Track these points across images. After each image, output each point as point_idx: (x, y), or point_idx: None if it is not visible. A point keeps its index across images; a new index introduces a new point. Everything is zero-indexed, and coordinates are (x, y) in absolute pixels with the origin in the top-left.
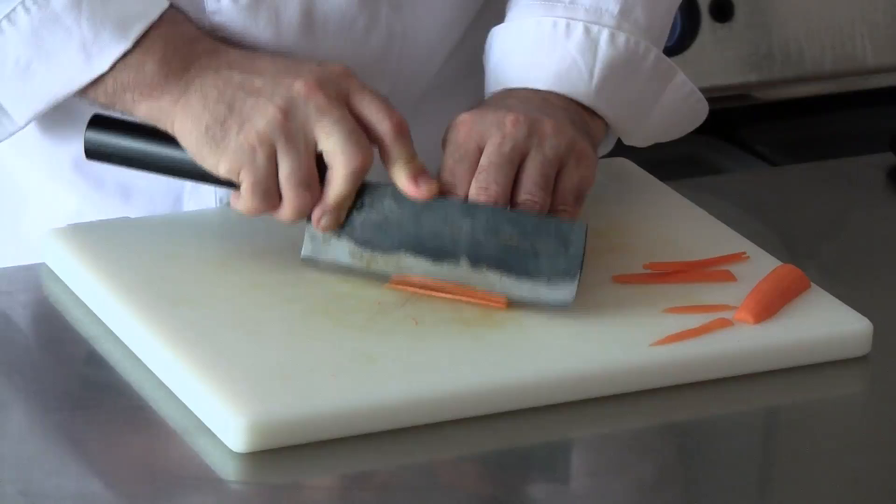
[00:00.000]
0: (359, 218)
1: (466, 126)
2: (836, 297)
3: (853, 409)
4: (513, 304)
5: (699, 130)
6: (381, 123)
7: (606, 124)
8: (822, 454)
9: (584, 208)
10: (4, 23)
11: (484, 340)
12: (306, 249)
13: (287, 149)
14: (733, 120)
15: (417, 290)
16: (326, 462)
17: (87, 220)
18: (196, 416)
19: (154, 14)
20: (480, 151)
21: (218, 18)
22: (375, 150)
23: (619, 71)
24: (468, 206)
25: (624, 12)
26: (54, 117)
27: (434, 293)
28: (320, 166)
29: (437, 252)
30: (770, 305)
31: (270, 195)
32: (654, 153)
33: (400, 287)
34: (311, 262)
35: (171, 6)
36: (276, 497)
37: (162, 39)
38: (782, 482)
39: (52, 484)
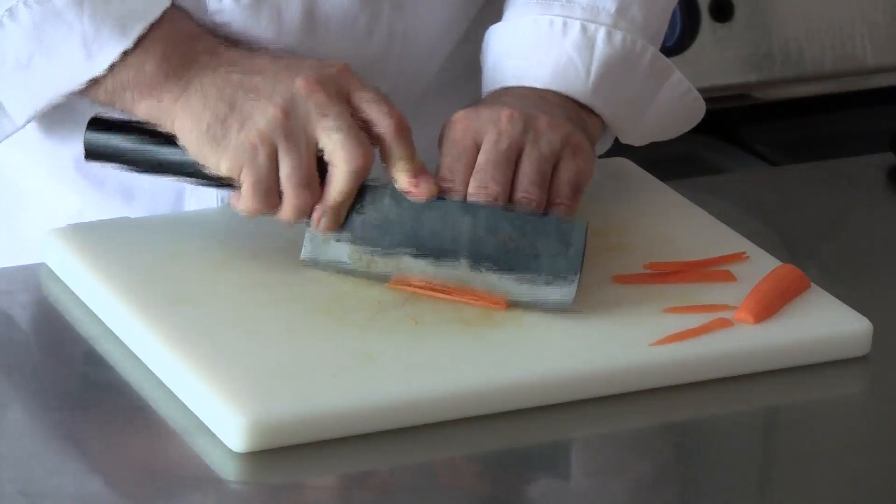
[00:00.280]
0: (358, 218)
1: (462, 124)
2: (836, 297)
3: (853, 409)
4: (513, 304)
5: (699, 130)
6: (382, 122)
7: (603, 123)
8: (822, 454)
9: (583, 208)
10: (6, 18)
11: (484, 340)
12: (306, 250)
13: (288, 148)
14: (733, 120)
15: (417, 290)
16: (326, 462)
17: (88, 220)
18: (196, 416)
19: (155, 13)
20: (477, 148)
21: (220, 18)
22: (376, 150)
23: (615, 69)
24: (468, 206)
25: (621, 10)
26: (55, 117)
27: (433, 294)
28: (320, 166)
29: (437, 252)
30: (770, 305)
31: (271, 195)
32: (653, 153)
33: (400, 287)
34: (311, 264)
35: (173, 5)
36: (276, 497)
37: (162, 38)
38: (782, 482)
39: (51, 483)
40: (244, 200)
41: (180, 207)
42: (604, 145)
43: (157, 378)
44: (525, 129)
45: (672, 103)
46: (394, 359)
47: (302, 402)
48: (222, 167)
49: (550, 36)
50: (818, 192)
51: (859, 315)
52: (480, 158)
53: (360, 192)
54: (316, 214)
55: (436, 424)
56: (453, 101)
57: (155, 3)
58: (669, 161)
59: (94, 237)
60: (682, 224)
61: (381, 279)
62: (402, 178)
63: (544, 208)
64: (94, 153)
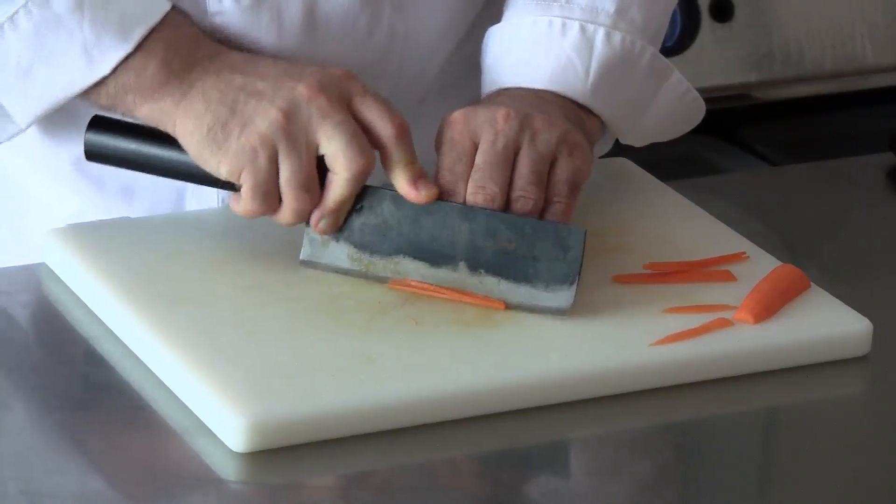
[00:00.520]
0: (357, 221)
1: (459, 124)
2: (836, 297)
3: (853, 409)
4: (511, 308)
5: (699, 130)
6: (383, 127)
7: (603, 124)
8: (822, 454)
9: (583, 208)
10: (6, 25)
11: (484, 340)
12: (305, 252)
13: (288, 151)
14: (733, 120)
15: (418, 290)
16: (326, 462)
17: (89, 220)
18: (196, 416)
19: (156, 17)
20: (475, 148)
21: (220, 19)
22: (376, 154)
23: (614, 70)
24: (467, 211)
25: (620, 11)
26: (56, 118)
27: (433, 294)
28: (320, 169)
29: (436, 256)
30: (770, 305)
31: (271, 197)
32: (653, 153)
33: (400, 287)
34: (310, 265)
35: (173, 8)
36: (276, 497)
37: (163, 42)
38: (782, 482)
39: (52, 483)
40: (244, 203)
41: (181, 207)
42: (604, 146)
43: (157, 378)
44: (521, 129)
45: (671, 104)
46: (394, 359)
47: (302, 403)
48: (223, 170)
49: (549, 37)
50: (818, 192)
51: (859, 315)
52: (478, 159)
53: (360, 194)
54: (315, 217)
55: (436, 424)
56: (454, 101)
57: (155, 7)
58: (670, 161)
59: (94, 237)
60: (682, 224)
61: (380, 281)
62: (402, 183)
63: (542, 207)
64: (94, 154)
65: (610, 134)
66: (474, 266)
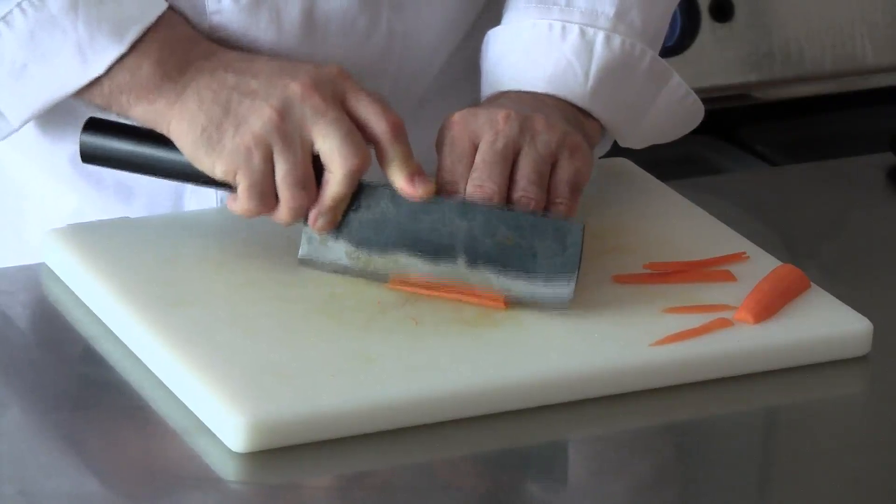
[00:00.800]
0: (355, 218)
1: (459, 125)
2: (836, 297)
3: (853, 409)
4: (512, 303)
5: (699, 130)
6: (378, 124)
7: (602, 126)
8: (822, 454)
9: (583, 208)
10: (1, 25)
11: (484, 340)
12: (303, 250)
13: (283, 150)
14: (733, 120)
15: (417, 289)
16: (326, 462)
17: (88, 219)
18: (196, 416)
19: (151, 17)
20: (475, 149)
21: (218, 19)
22: (372, 151)
23: (614, 73)
24: (465, 206)
25: (619, 15)
26: (53, 116)
27: (433, 293)
28: (316, 167)
29: (435, 251)
30: (770, 305)
31: (267, 196)
32: (653, 153)
33: (400, 287)
34: (309, 263)
35: (169, 8)
36: (276, 497)
37: (158, 42)
38: (782, 482)
39: (51, 483)
40: (240, 202)
41: (180, 207)
42: (602, 148)
43: (156, 378)
44: (522, 130)
45: (671, 107)
46: (393, 359)
47: (302, 403)
48: (218, 170)
49: (549, 40)
50: (818, 192)
51: (859, 315)
52: (477, 158)
53: (358, 191)
54: (312, 215)
55: (436, 424)
56: (453, 102)
57: (151, 7)
58: (670, 161)
59: (93, 237)
60: (682, 224)
61: (379, 278)
62: (398, 179)
63: (543, 208)
64: (89, 156)
65: (609, 136)
66: (473, 260)
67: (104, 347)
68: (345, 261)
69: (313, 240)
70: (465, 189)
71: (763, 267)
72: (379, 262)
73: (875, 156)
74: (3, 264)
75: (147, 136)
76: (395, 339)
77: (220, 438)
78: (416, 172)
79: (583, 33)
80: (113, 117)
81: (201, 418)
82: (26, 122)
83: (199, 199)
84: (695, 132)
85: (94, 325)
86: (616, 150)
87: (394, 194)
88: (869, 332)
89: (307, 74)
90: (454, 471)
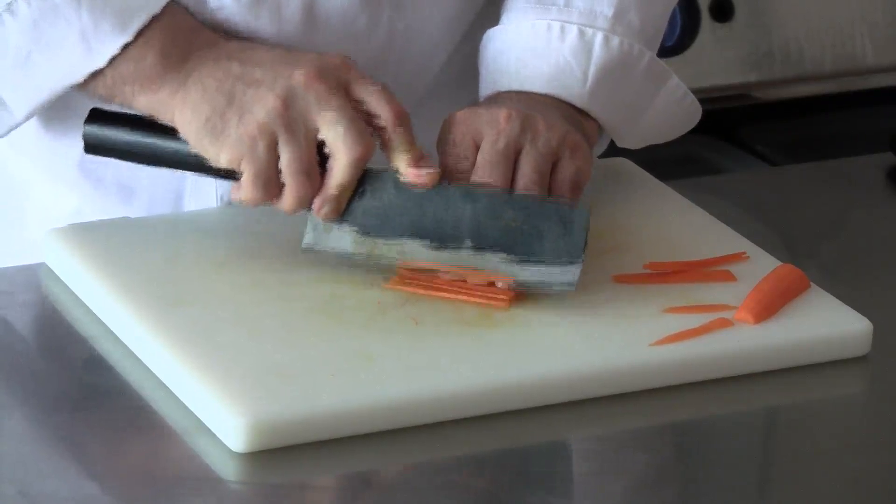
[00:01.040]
0: (360, 206)
1: (460, 124)
2: (836, 297)
3: (853, 409)
4: (515, 297)
5: (699, 130)
6: (382, 111)
7: (600, 126)
8: (822, 454)
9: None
10: (5, 14)
11: (484, 340)
12: (308, 238)
13: (287, 138)
14: (733, 120)
15: (417, 290)
16: (326, 462)
17: (88, 219)
18: (196, 416)
19: (156, 7)
20: (477, 148)
21: (220, 15)
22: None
23: (612, 74)
24: (470, 191)
25: (618, 15)
26: (54, 115)
27: (434, 293)
28: (320, 155)
29: (440, 237)
30: (770, 305)
31: (271, 185)
32: (653, 153)
33: (399, 288)
34: (313, 251)
35: (172, 0)
36: (276, 497)
37: (162, 32)
38: (782, 482)
39: (51, 484)
40: (245, 191)
41: (180, 206)
42: (599, 148)
43: (157, 378)
44: (523, 130)
45: (668, 107)
46: (393, 359)
47: (302, 402)
48: (222, 159)
49: (548, 40)
50: (818, 192)
51: (859, 315)
52: (479, 158)
53: (362, 179)
54: (317, 203)
55: (436, 424)
56: (454, 101)
57: None
58: (669, 161)
59: (94, 237)
60: (682, 224)
61: (384, 265)
62: (402, 166)
63: None
64: (93, 146)
65: (606, 136)
66: (479, 245)
67: (104, 347)
68: (350, 248)
69: (318, 227)
70: None
71: (763, 267)
72: (384, 248)
73: (875, 156)
74: (3, 264)
75: (151, 126)
76: (395, 339)
77: (221, 438)
78: (420, 158)
79: (581, 34)
80: (116, 109)
81: (202, 419)
82: (30, 114)
83: (199, 200)
84: (694, 132)
85: (95, 326)
86: (615, 150)
87: (398, 181)
88: (869, 332)
89: (311, 63)
90: (454, 471)
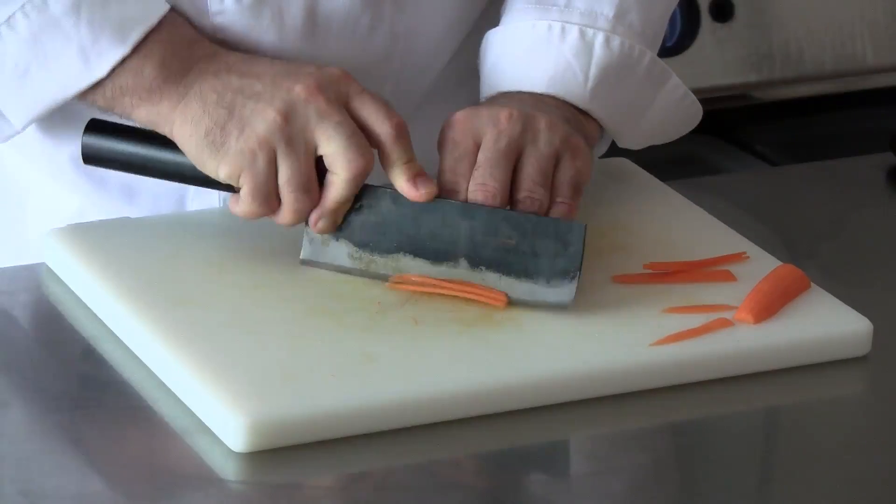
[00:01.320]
0: (357, 220)
1: (462, 124)
2: (836, 297)
3: (853, 409)
4: (512, 303)
5: (698, 130)
6: (381, 126)
7: (601, 127)
8: (822, 454)
9: (583, 207)
10: (3, 28)
11: (484, 340)
12: (305, 251)
13: (287, 153)
14: (733, 120)
15: (418, 288)
16: (326, 462)
17: (89, 219)
18: (196, 416)
19: (153, 19)
20: (478, 148)
21: (221, 19)
22: (375, 154)
23: (613, 74)
24: (467, 208)
25: (619, 16)
26: (56, 117)
27: (435, 291)
28: (319, 169)
29: (436, 253)
30: (770, 305)
31: (270, 199)
32: (653, 153)
33: (400, 287)
34: (311, 264)
35: (171, 10)
36: (276, 497)
37: (161, 44)
38: (782, 482)
39: (51, 484)
40: (243, 204)
41: (183, 207)
42: (600, 148)
43: (157, 378)
44: (524, 129)
45: (669, 108)
46: (394, 359)
47: (302, 402)
48: (221, 172)
49: (549, 41)
50: (818, 192)
51: (859, 315)
52: (480, 157)
53: (360, 193)
54: (314, 217)
55: (436, 424)
56: (455, 102)
57: (153, 8)
58: (669, 161)
59: (94, 237)
60: (682, 224)
61: (381, 279)
62: (400, 181)
63: (546, 207)
64: (91, 157)
65: (607, 136)
66: (475, 262)
67: (105, 348)
68: (346, 262)
69: (315, 241)
70: (467, 188)
71: (763, 267)
72: (380, 263)
73: (875, 156)
74: (4, 264)
75: (149, 138)
76: (395, 339)
77: (221, 438)
78: (418, 174)
79: (582, 34)
80: (115, 119)
81: (202, 418)
82: (29, 124)
83: (202, 200)
84: (695, 132)
85: (95, 326)
86: (615, 150)
87: (395, 196)
88: (869, 332)
89: (311, 77)
90: (454, 470)
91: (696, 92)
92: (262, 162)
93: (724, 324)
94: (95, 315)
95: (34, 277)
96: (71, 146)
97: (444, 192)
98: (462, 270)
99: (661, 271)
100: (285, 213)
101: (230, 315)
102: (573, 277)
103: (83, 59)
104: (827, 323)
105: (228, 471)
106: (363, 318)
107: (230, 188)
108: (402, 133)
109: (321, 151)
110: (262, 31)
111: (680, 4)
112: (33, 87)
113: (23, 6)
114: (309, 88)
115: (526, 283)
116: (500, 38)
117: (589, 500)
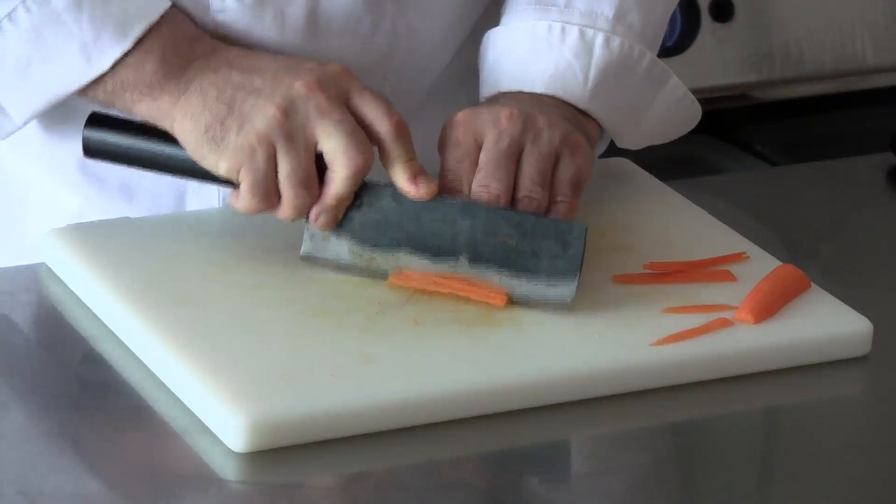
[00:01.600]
0: (358, 216)
1: (462, 124)
2: (836, 297)
3: (853, 409)
4: (513, 303)
5: (698, 130)
6: (381, 123)
7: (601, 127)
8: (822, 454)
9: (583, 207)
10: (5, 22)
11: (484, 340)
12: (306, 247)
13: (287, 149)
14: (733, 120)
15: (418, 288)
16: (326, 462)
17: (90, 219)
18: (196, 416)
19: (155, 14)
20: (479, 148)
21: (222, 17)
22: (375, 151)
23: (613, 74)
24: (467, 206)
25: (619, 16)
26: (56, 116)
27: (435, 290)
28: (318, 164)
29: (437, 251)
30: (770, 305)
31: (270, 194)
32: (653, 153)
33: (400, 283)
34: (311, 260)
35: (172, 6)
36: (276, 497)
37: (162, 39)
38: (782, 482)
39: (51, 484)
40: (243, 200)
41: (182, 207)
42: (599, 148)
43: (157, 378)
44: (525, 128)
45: (669, 108)
46: (394, 359)
47: (302, 403)
48: (221, 167)
49: (549, 41)
50: (818, 192)
51: (859, 315)
52: (482, 158)
53: (360, 190)
54: (314, 212)
55: (436, 424)
56: (455, 101)
57: (154, 4)
58: (669, 161)
59: (94, 237)
60: (682, 224)
61: (381, 276)
62: (401, 179)
63: (546, 206)
64: (92, 150)
65: (606, 136)
66: (475, 260)
67: (105, 348)
68: (347, 258)
69: (316, 237)
70: (469, 189)
71: (763, 267)
72: (381, 260)
73: (875, 156)
74: (4, 264)
75: (150, 132)
76: (395, 339)
77: (221, 438)
78: (418, 172)
79: (582, 34)
80: (116, 113)
81: (202, 418)
82: (29, 120)
83: (202, 199)
84: (694, 132)
85: (95, 326)
86: (615, 150)
87: (396, 193)
88: (869, 332)
89: (311, 73)
90: (454, 470)
91: (695, 92)
92: (261, 157)
93: (724, 324)
94: (95, 315)
95: (34, 277)
96: (72, 146)
97: (446, 192)
98: (462, 268)
99: (661, 271)
100: (285, 209)
101: (230, 315)
102: (573, 277)
103: (84, 54)
104: (827, 323)
105: (228, 471)
106: (363, 318)
107: (230, 183)
108: (402, 131)
109: (321, 148)
110: (264, 30)
111: (680, 4)
112: (35, 81)
113: (24, 0)
114: (309, 85)
115: (526, 282)
116: (500, 38)
117: (589, 500)
